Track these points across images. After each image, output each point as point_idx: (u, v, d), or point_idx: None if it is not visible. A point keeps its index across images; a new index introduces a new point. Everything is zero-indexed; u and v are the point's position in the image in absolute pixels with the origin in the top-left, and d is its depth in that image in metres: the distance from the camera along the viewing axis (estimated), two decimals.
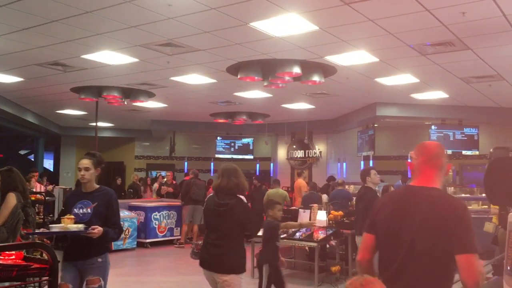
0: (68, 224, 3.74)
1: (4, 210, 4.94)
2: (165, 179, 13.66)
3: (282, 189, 11.80)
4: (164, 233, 11.40)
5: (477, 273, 2.23)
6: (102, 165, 4.18)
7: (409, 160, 2.17)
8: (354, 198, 10.80)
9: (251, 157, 16.49)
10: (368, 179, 6.61)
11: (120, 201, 13.35)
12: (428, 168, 2.48)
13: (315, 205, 8.32)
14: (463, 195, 11.02)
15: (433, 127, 11.97)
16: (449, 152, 12.26)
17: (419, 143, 2.61)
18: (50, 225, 3.94)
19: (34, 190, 9.48)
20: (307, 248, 8.14)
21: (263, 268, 5.69)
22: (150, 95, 10.85)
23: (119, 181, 15.24)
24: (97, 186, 4.13)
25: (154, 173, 16.76)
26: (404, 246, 2.36)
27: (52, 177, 16.83)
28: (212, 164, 16.96)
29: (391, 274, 2.38)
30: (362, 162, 14.06)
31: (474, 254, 2.26)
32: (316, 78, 8.16)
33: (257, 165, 16.75)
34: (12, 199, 4.99)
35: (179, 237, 11.74)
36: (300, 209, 8.43)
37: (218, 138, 16.15)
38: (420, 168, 2.48)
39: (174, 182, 13.77)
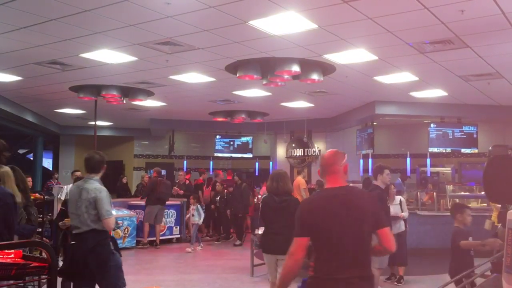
0: None
1: None
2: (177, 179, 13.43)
3: None
4: (163, 232, 11.40)
5: (393, 240, 3.01)
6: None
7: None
8: None
9: (250, 155, 16.47)
10: (379, 177, 6.22)
11: (119, 200, 13.35)
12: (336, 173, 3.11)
13: None
14: (462, 193, 11.03)
15: (432, 125, 11.98)
16: (449, 150, 12.29)
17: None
18: None
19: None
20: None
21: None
22: (149, 94, 10.85)
23: (125, 179, 15.04)
24: None
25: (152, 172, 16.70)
26: (347, 236, 2.90)
27: (51, 176, 16.80)
28: (211, 162, 16.96)
29: (338, 263, 2.89)
30: (361, 161, 14.06)
31: (388, 227, 3.05)
32: (315, 76, 8.15)
33: (256, 164, 16.73)
34: None
35: (178, 235, 11.74)
36: None
37: (217, 136, 16.14)
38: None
39: (187, 182, 13.56)
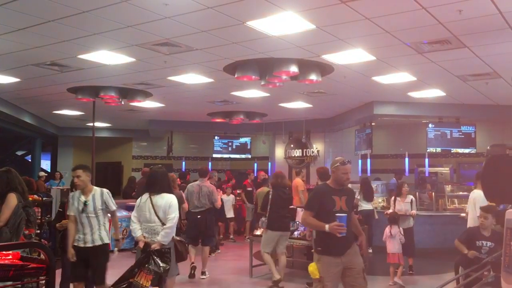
0: None
1: (6, 211, 4.94)
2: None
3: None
4: None
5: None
6: None
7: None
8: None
9: (248, 156, 16.48)
10: None
11: (118, 201, 13.34)
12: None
13: None
14: (460, 193, 11.02)
15: (430, 125, 11.99)
16: (446, 150, 12.31)
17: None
18: None
19: None
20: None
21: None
22: (147, 95, 10.84)
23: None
24: None
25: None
26: None
27: (50, 178, 16.79)
28: (210, 163, 16.95)
29: None
30: (359, 161, 14.07)
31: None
32: (313, 77, 8.15)
33: (255, 165, 16.73)
34: (13, 199, 4.99)
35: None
36: (298, 208, 8.43)
37: (216, 137, 16.14)
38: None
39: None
